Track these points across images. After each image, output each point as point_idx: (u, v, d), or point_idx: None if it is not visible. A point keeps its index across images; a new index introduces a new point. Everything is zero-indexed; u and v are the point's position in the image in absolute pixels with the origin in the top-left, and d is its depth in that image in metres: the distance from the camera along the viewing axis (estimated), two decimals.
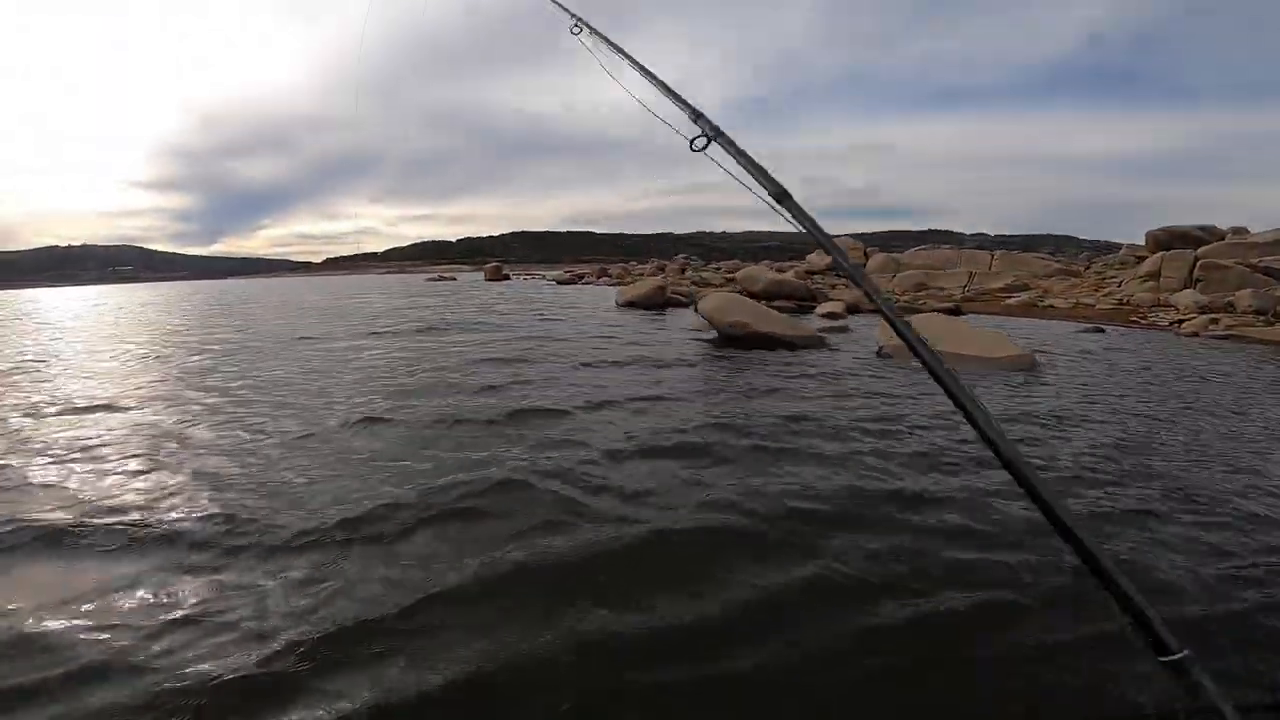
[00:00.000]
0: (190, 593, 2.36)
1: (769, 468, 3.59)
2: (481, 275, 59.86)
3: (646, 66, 1.40)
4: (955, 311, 14.75)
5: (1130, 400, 5.56)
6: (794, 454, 3.86)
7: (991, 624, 2.11)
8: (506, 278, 48.95)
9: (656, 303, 15.04)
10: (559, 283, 38.00)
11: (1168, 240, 25.13)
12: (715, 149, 1.17)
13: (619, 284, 33.71)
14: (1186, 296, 16.48)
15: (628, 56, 1.48)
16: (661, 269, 41.26)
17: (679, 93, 1.29)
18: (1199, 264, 18.70)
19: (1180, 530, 2.86)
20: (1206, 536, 2.79)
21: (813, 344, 8.08)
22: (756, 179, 1.10)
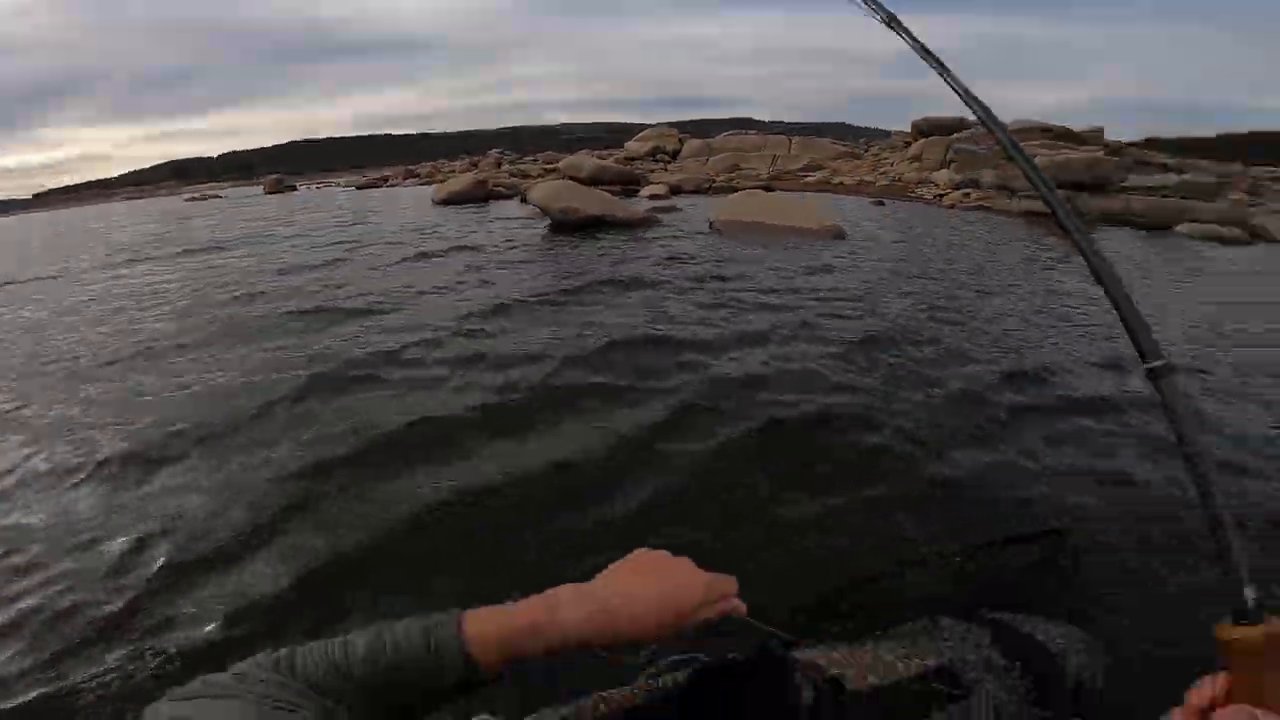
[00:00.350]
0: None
1: (610, 321, 3.67)
2: (260, 190, 51.01)
3: None
4: (767, 189, 15.77)
5: (913, 251, 6.50)
6: (633, 308, 3.98)
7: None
8: (291, 189, 42.10)
9: (478, 196, 13.98)
10: (359, 188, 33.65)
11: (928, 128, 28.80)
12: None
13: (430, 183, 30.79)
14: (944, 175, 19.32)
15: None
16: (475, 165, 38.32)
17: None
18: (952, 148, 21.87)
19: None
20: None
21: (646, 223, 8.14)
22: None
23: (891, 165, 23.97)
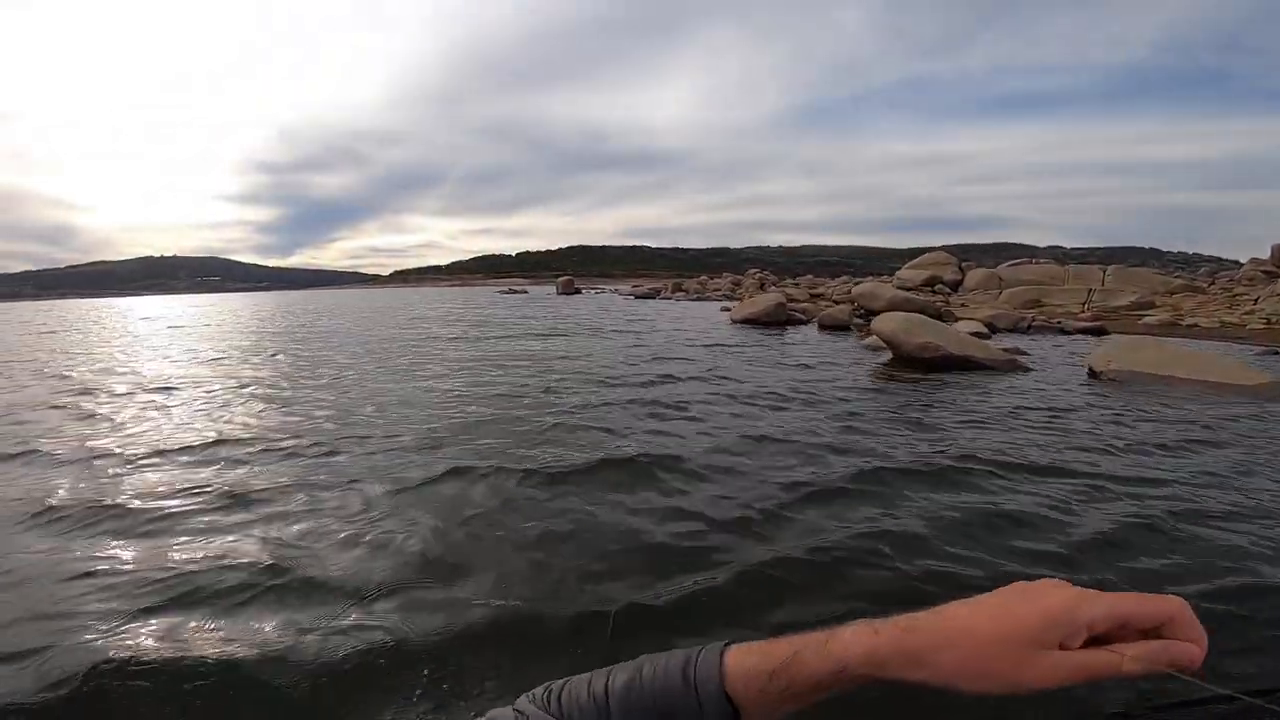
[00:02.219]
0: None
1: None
2: (552, 289, 61.27)
3: None
4: (1101, 331, 13.98)
5: None
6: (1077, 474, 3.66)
7: None
8: (578, 291, 49.81)
9: (777, 320, 14.84)
10: (636, 296, 38.21)
11: None
12: None
13: (700, 299, 33.72)
14: None
15: None
16: (736, 284, 41.07)
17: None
18: None
19: None
20: None
21: (1009, 367, 7.73)
22: None
23: (1255, 302, 19.62)
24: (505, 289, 65.21)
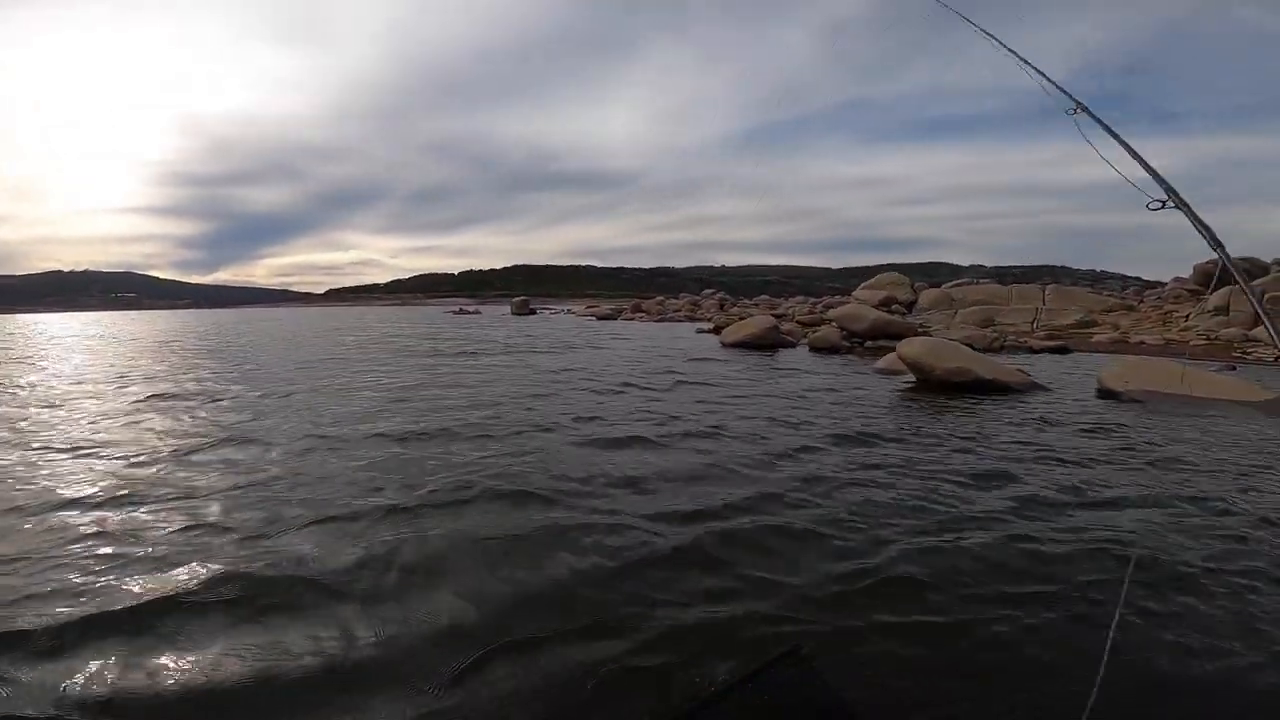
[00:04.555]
0: None
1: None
2: (500, 309, 60.00)
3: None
4: (1063, 349, 14.75)
5: None
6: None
7: None
8: (533, 312, 49.00)
9: (769, 343, 14.88)
10: (597, 318, 37.73)
11: (1215, 272, 25.58)
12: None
13: (663, 319, 33.74)
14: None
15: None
16: (695, 305, 41.47)
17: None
18: (1266, 297, 19.21)
19: None
20: None
21: (1030, 387, 7.94)
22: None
23: (1186, 319, 21.31)
24: (455, 309, 63.04)
